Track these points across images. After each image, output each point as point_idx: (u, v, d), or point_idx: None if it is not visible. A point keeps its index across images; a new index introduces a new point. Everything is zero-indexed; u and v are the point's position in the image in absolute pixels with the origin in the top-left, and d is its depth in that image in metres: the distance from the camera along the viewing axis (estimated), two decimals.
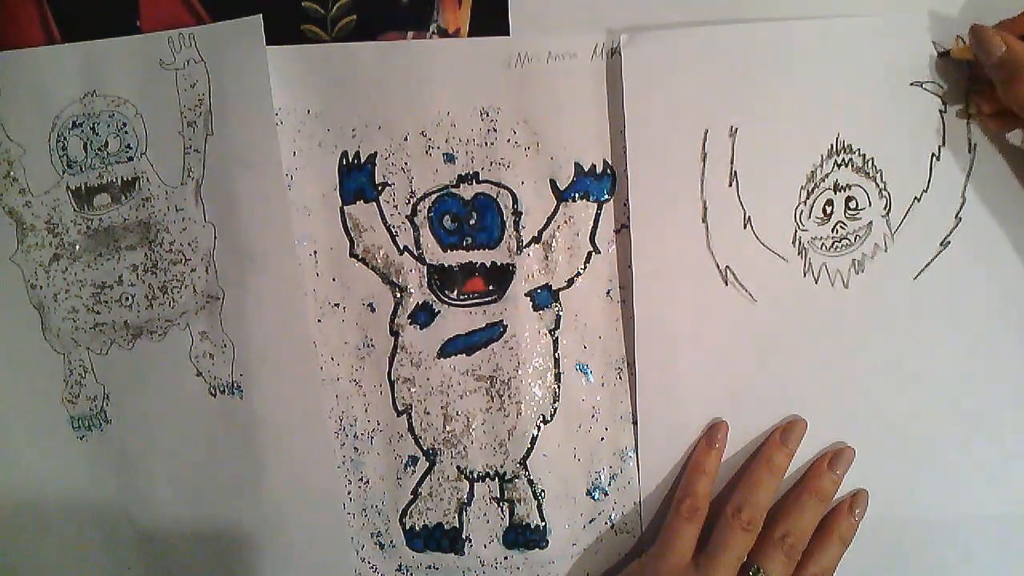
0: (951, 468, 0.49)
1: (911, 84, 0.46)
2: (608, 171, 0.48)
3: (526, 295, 0.49)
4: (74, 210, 0.50)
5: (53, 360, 0.51)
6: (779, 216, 0.48)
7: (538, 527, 0.50)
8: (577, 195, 0.49)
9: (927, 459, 0.49)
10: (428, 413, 0.50)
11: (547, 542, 0.50)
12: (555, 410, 0.50)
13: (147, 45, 0.48)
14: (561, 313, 0.49)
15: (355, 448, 0.51)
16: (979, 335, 0.48)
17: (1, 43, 0.49)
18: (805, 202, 0.47)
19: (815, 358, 0.49)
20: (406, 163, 0.49)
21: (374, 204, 0.49)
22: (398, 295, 0.50)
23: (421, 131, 0.48)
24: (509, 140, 0.48)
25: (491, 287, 0.49)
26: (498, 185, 0.49)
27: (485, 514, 0.51)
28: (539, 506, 0.50)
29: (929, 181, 0.47)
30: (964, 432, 0.49)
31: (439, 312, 0.50)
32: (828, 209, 0.47)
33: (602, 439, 0.50)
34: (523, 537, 0.50)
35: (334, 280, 0.50)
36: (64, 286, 0.51)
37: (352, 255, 0.50)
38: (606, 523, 0.51)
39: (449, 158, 0.49)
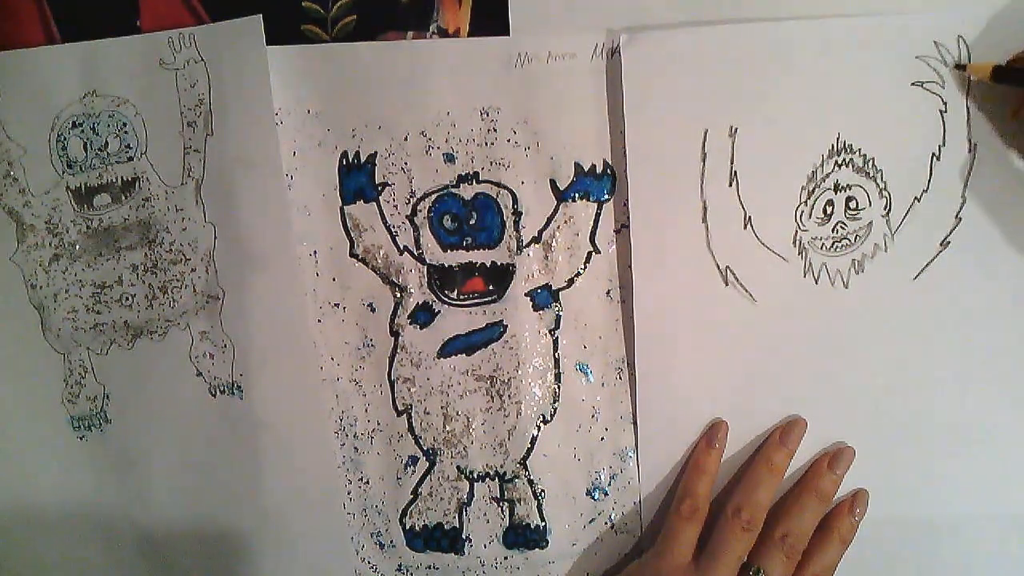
0: (951, 468, 0.49)
1: (911, 84, 0.46)
2: (608, 171, 0.48)
3: (526, 295, 0.49)
4: (74, 210, 0.50)
5: (53, 360, 0.51)
6: (779, 216, 0.48)
7: (538, 527, 0.50)
8: (577, 195, 0.49)
9: (927, 459, 0.49)
10: (428, 413, 0.50)
11: (547, 542, 0.50)
12: (555, 410, 0.50)
13: (147, 45, 0.48)
14: (561, 313, 0.49)
15: (355, 448, 0.51)
16: (979, 335, 0.48)
17: (1, 43, 0.49)
18: (805, 202, 0.47)
19: (815, 358, 0.49)
20: (406, 163, 0.49)
21: (374, 204, 0.49)
22: (398, 295, 0.50)
23: (421, 131, 0.48)
24: (509, 140, 0.48)
25: (491, 287, 0.49)
26: (498, 185, 0.49)
27: (485, 514, 0.51)
28: (539, 506, 0.50)
29: (929, 181, 0.47)
30: (964, 432, 0.49)
31: (439, 312, 0.50)
32: (828, 209, 0.47)
33: (602, 439, 0.50)
34: (523, 537, 0.51)
35: (334, 280, 0.50)
36: (64, 286, 0.51)
37: (352, 255, 0.50)
38: (606, 523, 0.51)
39: (449, 158, 0.49)
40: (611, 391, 0.50)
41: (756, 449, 0.49)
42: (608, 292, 0.50)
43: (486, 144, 0.48)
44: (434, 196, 0.49)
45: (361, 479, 0.51)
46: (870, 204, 0.47)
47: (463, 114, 0.48)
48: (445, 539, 0.51)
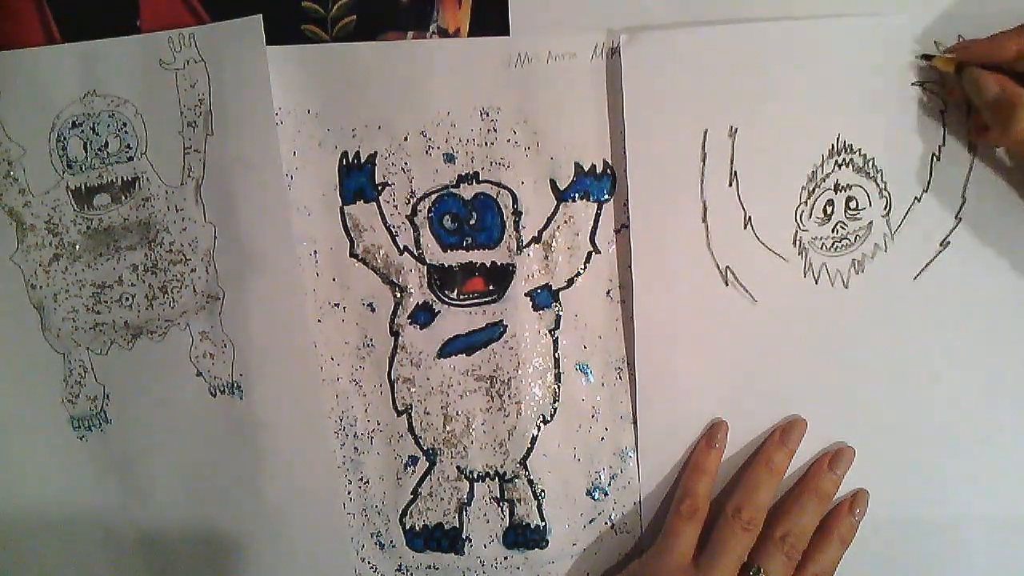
0: (951, 468, 0.49)
1: (911, 84, 0.46)
2: (608, 171, 0.48)
3: (526, 295, 0.49)
4: (74, 210, 0.50)
5: (53, 360, 0.51)
6: (779, 216, 0.48)
7: (538, 527, 0.50)
8: (577, 195, 0.49)
9: (927, 459, 0.49)
10: (428, 413, 0.50)
11: (547, 542, 0.50)
12: (555, 410, 0.50)
13: (147, 45, 0.48)
14: (561, 313, 0.49)
15: (355, 448, 0.51)
16: (979, 335, 0.48)
17: (1, 43, 0.49)
18: (806, 202, 0.47)
19: (815, 358, 0.49)
20: (406, 163, 0.49)
21: (374, 204, 0.49)
22: (398, 295, 0.50)
23: (421, 131, 0.48)
24: (509, 140, 0.48)
25: (491, 287, 0.49)
26: (498, 185, 0.49)
27: (485, 514, 0.51)
28: (539, 506, 0.50)
29: (929, 181, 0.47)
30: (964, 432, 0.49)
31: (439, 312, 0.50)
32: (828, 209, 0.47)
33: (602, 439, 0.50)
34: (523, 537, 0.51)
35: (334, 280, 0.50)
36: (64, 286, 0.51)
37: (352, 255, 0.50)
38: (606, 523, 0.51)
39: (449, 158, 0.49)
40: (611, 391, 0.50)
41: (756, 449, 0.49)
42: (608, 292, 0.50)
43: (486, 144, 0.48)
44: (434, 196, 0.49)
45: (361, 479, 0.51)
46: (870, 204, 0.47)
47: (463, 114, 0.48)
48: (445, 539, 0.51)
